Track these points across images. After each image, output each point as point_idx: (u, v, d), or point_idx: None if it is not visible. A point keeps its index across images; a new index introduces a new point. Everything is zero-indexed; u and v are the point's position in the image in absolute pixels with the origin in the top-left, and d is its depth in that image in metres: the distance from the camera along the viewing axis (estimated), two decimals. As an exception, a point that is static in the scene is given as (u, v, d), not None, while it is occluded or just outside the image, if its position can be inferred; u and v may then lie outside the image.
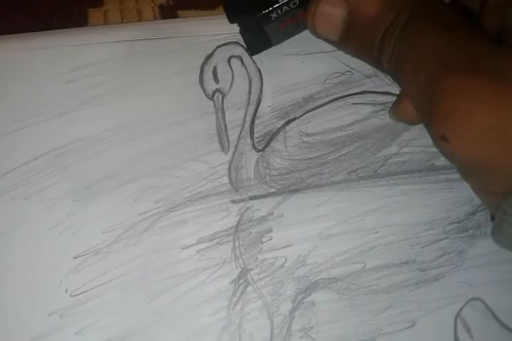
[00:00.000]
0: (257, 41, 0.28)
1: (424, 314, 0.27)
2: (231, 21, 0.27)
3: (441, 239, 0.28)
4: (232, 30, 0.28)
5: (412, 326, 0.27)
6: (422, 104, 0.20)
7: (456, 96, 0.18)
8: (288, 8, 0.26)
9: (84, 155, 0.28)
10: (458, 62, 0.19)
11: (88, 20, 0.30)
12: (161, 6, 0.30)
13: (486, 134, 0.18)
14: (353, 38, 0.23)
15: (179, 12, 0.30)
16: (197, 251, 0.28)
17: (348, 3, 0.22)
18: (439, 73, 0.19)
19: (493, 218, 0.20)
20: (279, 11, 0.25)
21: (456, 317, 0.27)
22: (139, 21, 0.30)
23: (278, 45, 0.29)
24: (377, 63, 0.22)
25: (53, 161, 0.28)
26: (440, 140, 0.19)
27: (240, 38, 0.29)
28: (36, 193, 0.28)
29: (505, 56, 0.18)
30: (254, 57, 0.29)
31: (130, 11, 0.30)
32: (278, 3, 0.25)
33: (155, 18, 0.30)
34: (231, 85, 0.29)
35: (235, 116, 0.29)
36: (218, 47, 0.29)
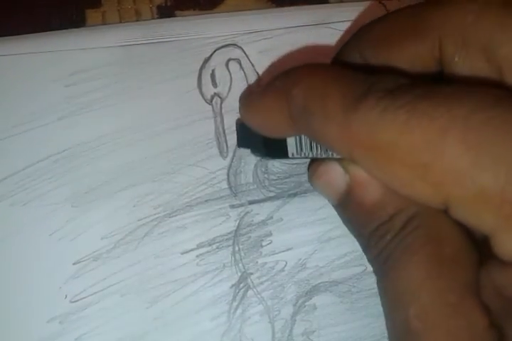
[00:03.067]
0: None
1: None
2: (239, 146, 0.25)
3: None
4: (231, 32, 0.28)
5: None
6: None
7: None
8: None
9: (83, 161, 0.28)
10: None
11: (86, 21, 0.30)
12: (159, 7, 0.30)
13: None
14: (347, 214, 0.20)
15: (177, 12, 0.30)
16: (196, 256, 0.28)
17: (349, 179, 0.19)
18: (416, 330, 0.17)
19: None
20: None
21: None
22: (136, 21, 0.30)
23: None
24: (366, 249, 0.20)
25: (52, 166, 0.28)
26: None
27: (237, 40, 0.29)
28: (35, 199, 0.28)
29: None
30: (252, 59, 0.29)
31: (128, 12, 0.30)
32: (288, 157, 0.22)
33: (153, 19, 0.30)
34: (229, 89, 0.29)
35: (233, 121, 0.29)
36: (216, 49, 0.29)
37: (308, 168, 0.21)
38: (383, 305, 0.18)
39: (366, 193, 0.19)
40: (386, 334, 0.27)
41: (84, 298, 0.27)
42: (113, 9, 0.30)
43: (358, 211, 0.19)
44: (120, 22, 0.30)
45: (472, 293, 0.17)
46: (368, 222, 0.19)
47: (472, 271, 0.17)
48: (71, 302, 0.27)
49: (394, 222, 0.18)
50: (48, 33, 0.30)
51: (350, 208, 0.20)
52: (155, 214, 0.28)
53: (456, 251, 0.17)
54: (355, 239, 0.27)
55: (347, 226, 0.21)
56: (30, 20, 0.30)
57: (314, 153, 0.21)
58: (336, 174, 0.20)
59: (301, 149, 0.21)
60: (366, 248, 0.19)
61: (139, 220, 0.28)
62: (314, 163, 0.21)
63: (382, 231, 0.18)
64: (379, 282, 0.18)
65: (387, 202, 0.18)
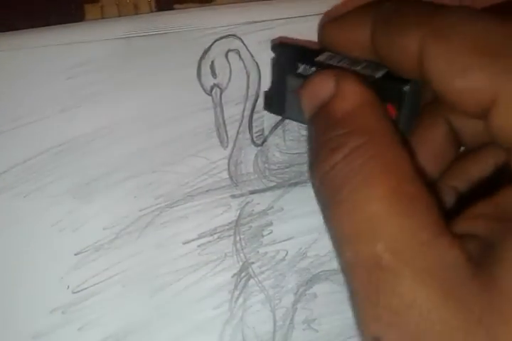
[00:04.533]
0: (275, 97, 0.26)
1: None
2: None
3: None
4: (230, 23, 0.29)
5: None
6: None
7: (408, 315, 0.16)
8: None
9: (84, 152, 0.28)
10: (414, 260, 0.17)
11: (85, 16, 0.30)
12: (157, 0, 0.30)
13: None
14: (316, 121, 0.21)
15: (176, 6, 0.30)
16: (198, 246, 0.28)
17: (335, 90, 0.20)
18: (379, 260, 0.17)
19: None
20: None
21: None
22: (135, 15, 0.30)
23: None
24: (314, 164, 0.20)
25: (53, 158, 0.28)
26: None
27: (236, 31, 0.29)
28: (36, 191, 0.28)
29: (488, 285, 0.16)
30: (251, 50, 0.29)
31: (126, 6, 0.30)
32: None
33: (151, 11, 0.30)
34: (229, 80, 0.29)
35: (233, 111, 0.29)
36: (216, 40, 0.29)
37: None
38: (334, 235, 0.18)
39: (343, 103, 0.19)
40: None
41: (86, 288, 0.27)
42: (111, 3, 0.30)
43: (326, 119, 0.19)
44: (119, 16, 0.30)
45: (444, 230, 0.17)
46: (329, 130, 0.19)
47: (437, 211, 0.17)
48: (73, 292, 0.27)
49: (352, 137, 0.18)
50: (47, 27, 0.30)
51: (321, 116, 0.20)
52: (156, 205, 0.28)
53: (418, 188, 0.17)
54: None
55: (309, 141, 0.21)
56: (28, 15, 0.30)
57: None
58: (327, 83, 0.20)
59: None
60: (315, 163, 0.19)
61: (140, 211, 0.28)
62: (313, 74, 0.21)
63: (337, 143, 0.18)
64: (327, 210, 0.18)
65: (357, 118, 0.19)
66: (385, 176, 0.17)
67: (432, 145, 0.22)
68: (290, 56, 0.24)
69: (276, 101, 0.25)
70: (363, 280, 0.17)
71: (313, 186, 0.19)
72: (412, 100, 0.21)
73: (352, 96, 0.19)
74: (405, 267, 0.16)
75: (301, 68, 0.23)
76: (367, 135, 0.18)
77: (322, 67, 0.22)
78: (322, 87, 0.20)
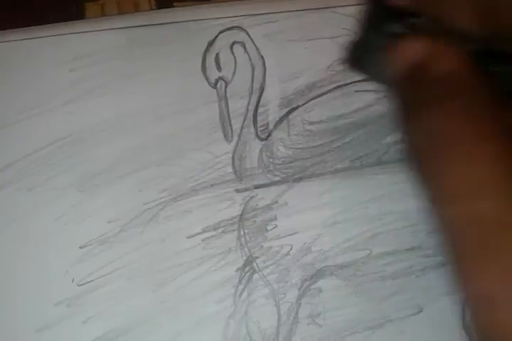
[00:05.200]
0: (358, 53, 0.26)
1: (432, 300, 0.27)
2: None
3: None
4: (235, 14, 0.28)
5: (420, 312, 0.27)
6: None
7: None
8: None
9: (88, 146, 0.28)
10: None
11: (85, 14, 0.30)
12: (157, -2, 0.30)
13: None
14: (406, 85, 0.21)
15: (175, 4, 0.30)
16: (202, 240, 0.28)
17: (430, 52, 0.20)
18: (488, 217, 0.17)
19: None
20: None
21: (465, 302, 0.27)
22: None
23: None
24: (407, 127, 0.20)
25: (57, 152, 0.28)
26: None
27: (241, 23, 0.28)
28: (41, 184, 0.28)
29: None
30: (257, 42, 0.29)
31: (127, 4, 0.30)
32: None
33: (151, 9, 0.30)
34: (234, 73, 0.29)
35: (238, 105, 0.29)
36: (221, 32, 0.29)
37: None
38: (440, 190, 0.18)
39: (441, 62, 0.19)
40: (391, 318, 0.27)
41: (91, 281, 0.27)
42: (112, 1, 0.30)
43: (429, 78, 0.19)
44: (119, 14, 0.30)
45: None
46: (426, 88, 0.19)
47: None
48: (78, 285, 0.27)
49: (455, 97, 0.18)
50: (51, 24, 0.29)
51: (421, 77, 0.20)
52: (161, 199, 0.28)
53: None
54: (359, 224, 0.28)
55: (402, 100, 0.20)
56: (29, 14, 0.30)
57: None
58: (425, 43, 0.20)
59: None
60: (415, 118, 0.19)
61: (144, 204, 0.28)
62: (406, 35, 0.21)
63: (438, 101, 0.18)
64: (429, 166, 0.18)
65: (453, 81, 0.19)
66: (494, 137, 0.17)
67: None
68: (383, 13, 0.24)
69: (358, 56, 0.24)
70: (473, 237, 0.17)
71: (409, 143, 0.19)
72: None
73: (450, 59, 0.19)
74: None
75: (394, 27, 0.23)
76: (468, 96, 0.18)
77: (416, 29, 0.22)
78: (419, 48, 0.20)
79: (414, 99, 0.19)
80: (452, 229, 0.17)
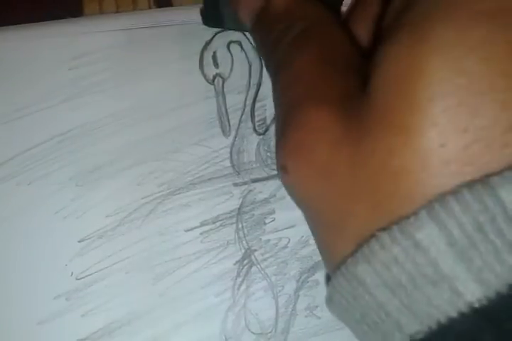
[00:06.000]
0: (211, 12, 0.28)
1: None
2: None
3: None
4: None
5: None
6: (277, 122, 0.19)
7: (303, 129, 0.17)
8: None
9: (87, 141, 0.28)
10: (321, 94, 0.18)
11: (83, 11, 0.30)
12: (156, -5, 0.31)
13: (319, 174, 0.16)
14: (259, 30, 0.22)
15: (174, 1, 0.31)
16: (200, 234, 0.28)
17: None
18: (299, 99, 0.18)
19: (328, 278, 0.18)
20: None
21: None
22: (134, 10, 0.30)
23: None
24: (267, 63, 0.22)
25: (56, 147, 0.28)
26: (280, 169, 0.18)
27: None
28: (40, 178, 0.28)
29: (364, 100, 0.16)
30: (253, 41, 0.29)
31: (125, 1, 0.30)
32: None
33: (150, 7, 0.30)
34: (231, 70, 0.29)
35: (235, 100, 0.29)
36: (217, 33, 0.30)
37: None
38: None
39: (277, 2, 0.21)
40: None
41: (89, 275, 0.27)
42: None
43: (269, 20, 0.21)
44: (117, 11, 0.30)
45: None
46: (273, 28, 0.21)
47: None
48: (77, 279, 0.27)
49: (296, 26, 0.20)
50: (50, 21, 0.30)
51: (263, 20, 0.22)
52: (159, 192, 0.28)
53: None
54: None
55: (257, 47, 0.23)
56: (27, 10, 0.30)
57: None
58: None
59: None
60: (268, 59, 0.21)
61: (143, 198, 0.28)
62: None
63: (283, 34, 0.20)
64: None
65: (295, 8, 0.21)
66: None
67: (367, 20, 0.22)
68: None
69: (213, 16, 0.28)
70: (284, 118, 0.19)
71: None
72: None
73: None
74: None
75: None
76: (308, 21, 0.20)
77: None
78: None
79: (265, 42, 0.21)
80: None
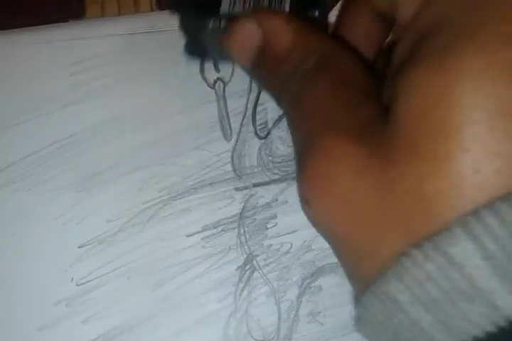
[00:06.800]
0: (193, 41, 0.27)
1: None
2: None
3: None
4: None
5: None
6: (296, 156, 0.19)
7: (322, 157, 0.17)
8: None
9: (87, 146, 0.28)
10: (339, 124, 0.18)
11: (86, 13, 0.30)
12: (158, -2, 0.31)
13: (342, 203, 0.16)
14: (263, 69, 0.22)
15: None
16: (202, 239, 0.28)
17: (263, 33, 0.21)
18: (316, 131, 0.18)
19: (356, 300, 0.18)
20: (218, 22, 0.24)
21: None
22: (136, 13, 0.30)
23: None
24: (279, 99, 0.21)
25: (56, 152, 0.28)
26: (302, 202, 0.18)
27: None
28: (40, 184, 0.28)
29: (387, 128, 0.16)
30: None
31: (127, 2, 0.30)
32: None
33: (152, 9, 0.30)
34: (232, 74, 0.29)
35: (236, 104, 0.29)
36: (218, 37, 0.29)
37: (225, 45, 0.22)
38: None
39: (279, 40, 0.20)
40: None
41: (90, 280, 0.27)
42: (112, 0, 0.31)
43: (273, 61, 0.21)
44: (119, 13, 0.30)
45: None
46: (283, 68, 0.20)
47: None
48: (77, 285, 0.27)
49: (307, 61, 0.19)
50: (51, 25, 0.30)
51: (265, 61, 0.21)
52: (160, 197, 0.28)
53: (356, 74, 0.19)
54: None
55: (262, 84, 0.22)
56: (28, 13, 0.30)
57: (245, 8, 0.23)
58: (251, 30, 0.21)
59: (235, 4, 0.23)
60: (280, 95, 0.21)
61: (143, 203, 0.28)
62: (231, 25, 0.22)
63: (296, 72, 0.20)
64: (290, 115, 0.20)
65: (299, 44, 0.20)
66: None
67: (362, 31, 0.23)
68: (194, 12, 0.25)
69: (198, 50, 0.27)
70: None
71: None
72: None
73: (282, 32, 0.20)
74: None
75: (211, 23, 0.24)
76: (316, 54, 0.19)
77: (233, 16, 0.23)
78: (249, 35, 0.21)
79: (273, 78, 0.21)
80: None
